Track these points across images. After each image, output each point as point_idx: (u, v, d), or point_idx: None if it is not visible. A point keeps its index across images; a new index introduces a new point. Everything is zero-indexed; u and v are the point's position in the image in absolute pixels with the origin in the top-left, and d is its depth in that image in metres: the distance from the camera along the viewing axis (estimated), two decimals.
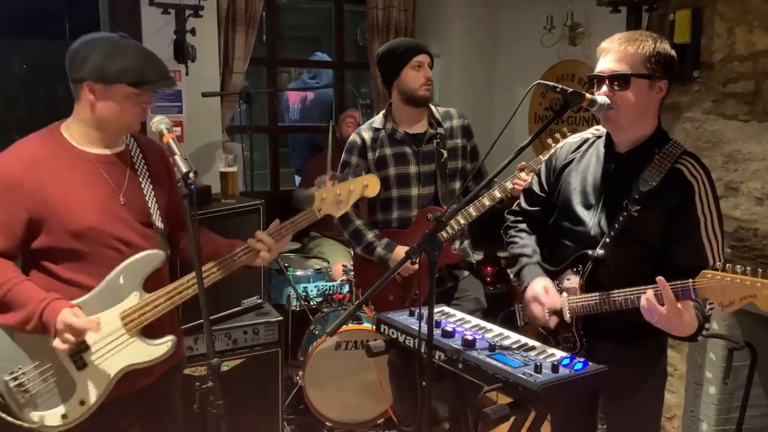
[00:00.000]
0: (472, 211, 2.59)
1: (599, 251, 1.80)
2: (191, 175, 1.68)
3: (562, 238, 1.93)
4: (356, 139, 2.77)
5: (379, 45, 4.33)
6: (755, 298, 1.47)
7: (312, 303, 3.51)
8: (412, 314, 1.99)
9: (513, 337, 1.84)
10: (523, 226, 2.09)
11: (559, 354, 1.72)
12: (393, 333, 1.94)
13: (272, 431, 3.01)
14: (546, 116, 4.16)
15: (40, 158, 1.76)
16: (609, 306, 1.76)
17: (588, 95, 1.71)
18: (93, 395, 1.78)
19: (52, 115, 1.89)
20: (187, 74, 3.52)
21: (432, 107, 2.81)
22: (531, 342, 1.80)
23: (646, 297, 1.60)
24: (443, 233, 2.61)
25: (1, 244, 1.74)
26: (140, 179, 1.90)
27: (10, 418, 1.74)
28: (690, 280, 1.56)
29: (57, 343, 1.69)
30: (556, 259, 1.93)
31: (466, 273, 2.84)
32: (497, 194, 2.54)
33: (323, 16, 5.50)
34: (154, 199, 1.91)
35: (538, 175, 2.07)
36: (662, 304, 1.57)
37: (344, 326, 3.10)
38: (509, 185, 2.51)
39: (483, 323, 1.95)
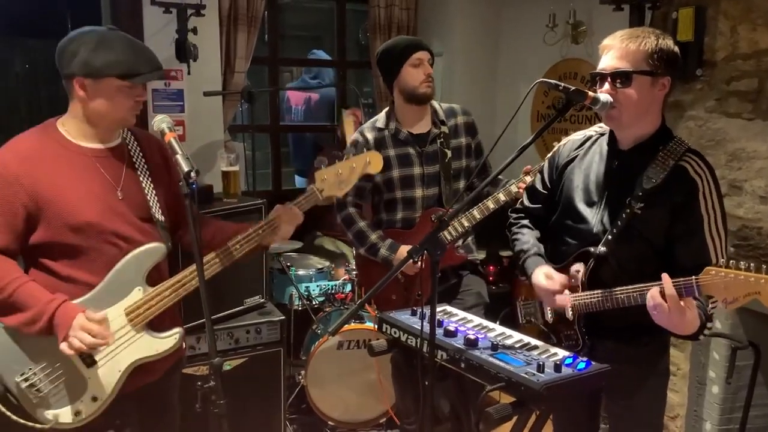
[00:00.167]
0: (476, 213, 2.59)
1: (601, 248, 1.79)
2: (193, 174, 1.67)
3: (564, 236, 1.92)
4: (359, 138, 2.76)
5: (381, 44, 4.34)
6: (759, 294, 1.46)
7: (314, 302, 3.51)
8: (414, 314, 1.99)
9: (515, 337, 1.83)
10: (526, 222, 2.09)
11: (561, 353, 1.71)
12: (395, 332, 1.94)
13: (274, 431, 3.01)
14: (548, 115, 4.15)
15: (36, 154, 1.75)
16: (611, 303, 1.75)
17: (590, 93, 1.70)
18: (105, 391, 1.78)
19: (54, 114, 1.88)
20: (189, 73, 3.52)
21: (435, 104, 2.80)
22: (533, 341, 1.80)
23: (652, 294, 1.59)
24: (447, 235, 2.61)
25: (3, 240, 1.73)
26: (138, 173, 1.89)
27: (23, 421, 1.76)
28: (693, 277, 1.55)
29: (64, 347, 1.69)
30: (559, 257, 1.93)
31: (467, 273, 2.84)
32: (502, 197, 2.53)
33: (325, 15, 5.50)
34: (153, 192, 1.90)
35: (541, 172, 2.07)
36: (665, 301, 1.57)
37: (346, 326, 3.11)
38: (514, 189, 2.50)
39: (485, 322, 1.95)
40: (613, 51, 1.74)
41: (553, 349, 1.74)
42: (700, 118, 2.92)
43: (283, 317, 3.00)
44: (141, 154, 1.92)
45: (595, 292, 1.80)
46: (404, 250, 2.66)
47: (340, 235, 4.03)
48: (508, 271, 4.12)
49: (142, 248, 1.82)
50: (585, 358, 1.66)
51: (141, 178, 1.89)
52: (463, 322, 1.95)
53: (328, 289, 3.56)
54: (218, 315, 2.83)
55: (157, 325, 1.85)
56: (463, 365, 1.70)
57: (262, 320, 2.94)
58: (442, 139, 2.73)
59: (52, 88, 3.95)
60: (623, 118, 1.75)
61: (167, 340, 1.84)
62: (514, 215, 2.14)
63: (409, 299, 2.71)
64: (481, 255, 2.96)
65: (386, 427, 3.31)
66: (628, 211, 1.75)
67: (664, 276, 1.56)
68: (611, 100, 1.72)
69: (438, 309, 1.89)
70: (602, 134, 1.93)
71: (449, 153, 2.73)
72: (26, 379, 1.76)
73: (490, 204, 2.56)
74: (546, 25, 3.95)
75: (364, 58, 5.04)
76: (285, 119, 5.07)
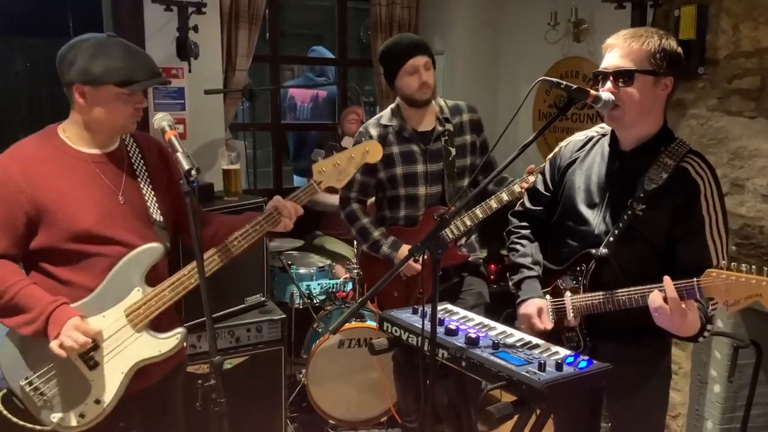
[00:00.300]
0: (479, 212, 2.59)
1: (603, 250, 1.79)
2: (193, 172, 1.66)
3: (565, 237, 1.91)
4: (363, 134, 2.76)
5: (383, 42, 4.33)
6: (761, 297, 1.46)
7: (315, 301, 3.51)
8: (415, 312, 1.99)
9: (517, 335, 1.83)
10: (526, 232, 2.06)
11: (563, 352, 1.71)
12: (396, 331, 1.94)
13: (275, 429, 3.01)
14: (550, 113, 4.14)
15: (37, 160, 1.76)
16: (613, 305, 1.75)
17: (592, 92, 1.69)
18: (108, 394, 1.78)
19: (55, 114, 1.88)
20: (189, 71, 3.52)
21: (441, 102, 2.80)
22: (535, 340, 1.80)
23: (653, 297, 1.59)
24: (449, 233, 2.61)
25: (3, 245, 1.74)
26: (138, 176, 1.89)
27: (29, 425, 1.77)
28: (695, 279, 1.54)
29: (54, 345, 1.69)
30: (560, 258, 1.92)
31: (467, 275, 2.83)
32: (505, 197, 2.53)
33: (326, 13, 5.50)
34: (152, 193, 1.89)
35: (543, 174, 2.06)
36: (667, 304, 1.56)
37: (347, 324, 3.11)
38: (517, 188, 2.49)
39: (486, 321, 1.94)
40: (616, 50, 1.73)
41: (555, 348, 1.74)
42: (702, 116, 2.91)
43: (284, 316, 3.00)
44: (140, 155, 1.92)
45: (597, 294, 1.79)
46: (406, 248, 2.66)
47: (340, 234, 4.03)
48: (508, 271, 4.10)
49: (139, 249, 1.81)
50: (586, 357, 1.66)
51: (140, 181, 1.88)
52: (464, 320, 1.95)
53: (329, 287, 3.55)
54: (219, 313, 2.83)
55: (155, 325, 1.85)
56: (464, 364, 1.70)
57: (263, 319, 2.94)
58: (446, 137, 2.72)
59: (53, 88, 3.94)
60: (625, 117, 1.74)
61: (169, 341, 1.83)
62: (515, 221, 2.12)
63: (411, 296, 2.71)
64: (482, 254, 2.96)
65: (387, 425, 3.31)
66: (630, 212, 1.75)
67: (666, 278, 1.56)
68: (613, 98, 1.71)
69: (439, 307, 1.89)
70: (603, 135, 1.92)
71: (453, 151, 2.72)
72: (30, 383, 1.77)
73: (493, 203, 2.56)
74: (547, 23, 3.94)
75: (365, 56, 5.04)
76: (288, 117, 5.05)
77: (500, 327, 1.89)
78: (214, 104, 3.75)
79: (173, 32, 3.41)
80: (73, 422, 1.78)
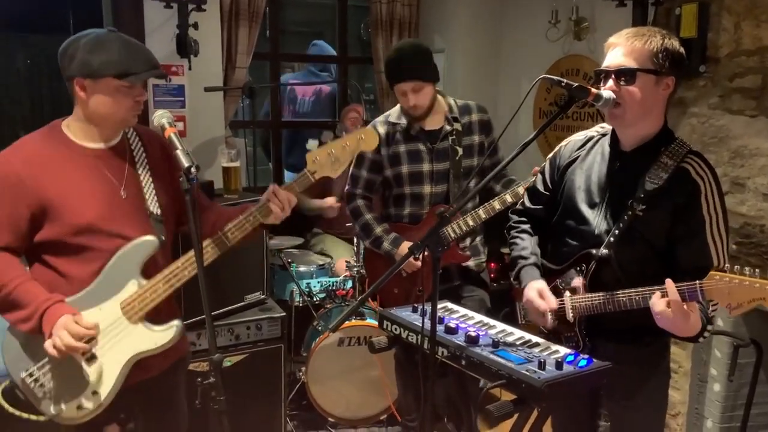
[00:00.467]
0: (481, 213, 2.59)
1: (603, 250, 1.78)
2: (193, 169, 1.67)
3: (565, 237, 1.91)
4: None
5: (383, 40, 4.33)
6: (764, 300, 1.44)
7: (315, 299, 3.51)
8: (415, 310, 1.99)
9: (516, 334, 1.83)
10: (526, 227, 2.07)
11: (563, 351, 1.71)
12: (396, 329, 1.93)
13: (275, 427, 3.01)
14: (551, 111, 4.14)
15: (41, 155, 1.77)
16: (613, 306, 1.74)
17: (593, 90, 1.69)
18: (105, 386, 1.80)
19: (56, 111, 1.89)
20: (189, 69, 3.52)
21: (450, 101, 2.80)
22: (535, 338, 1.80)
23: (654, 301, 1.58)
24: (451, 232, 2.60)
25: (6, 239, 1.76)
26: (139, 170, 1.90)
27: (26, 415, 1.81)
28: (697, 281, 1.54)
29: (47, 345, 1.71)
30: (560, 258, 1.92)
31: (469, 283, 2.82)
32: (508, 199, 2.53)
33: (327, 11, 5.49)
34: (152, 186, 1.90)
35: (543, 173, 2.05)
36: (668, 307, 1.56)
37: (347, 322, 3.11)
38: (521, 190, 2.48)
39: (486, 319, 1.94)
40: (619, 48, 1.73)
41: (555, 347, 1.74)
42: (703, 115, 2.91)
43: (284, 313, 3.00)
44: (142, 149, 1.93)
45: (597, 294, 1.78)
46: (407, 245, 2.67)
47: (340, 233, 4.03)
48: (508, 268, 4.10)
49: (134, 242, 1.82)
50: (586, 356, 1.66)
51: (142, 174, 1.89)
52: (464, 319, 1.95)
53: (329, 285, 3.55)
54: (219, 311, 2.83)
55: (153, 318, 1.85)
56: (463, 362, 1.70)
57: (263, 316, 2.94)
58: (454, 137, 2.72)
59: (54, 84, 3.95)
60: (626, 116, 1.73)
61: (165, 333, 1.83)
62: (515, 217, 2.12)
63: (412, 293, 2.72)
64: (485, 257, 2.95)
65: (387, 423, 3.31)
66: (630, 212, 1.74)
67: (668, 281, 1.55)
68: (614, 97, 1.70)
69: (439, 306, 1.89)
70: (604, 135, 1.91)
71: (460, 150, 2.72)
72: (30, 375, 1.79)
73: (496, 204, 2.56)
74: (548, 22, 3.94)
75: (365, 54, 5.03)
76: (287, 110, 5.02)
77: (500, 325, 1.89)
78: (214, 102, 3.75)
79: (173, 29, 3.42)
80: (72, 414, 1.80)
